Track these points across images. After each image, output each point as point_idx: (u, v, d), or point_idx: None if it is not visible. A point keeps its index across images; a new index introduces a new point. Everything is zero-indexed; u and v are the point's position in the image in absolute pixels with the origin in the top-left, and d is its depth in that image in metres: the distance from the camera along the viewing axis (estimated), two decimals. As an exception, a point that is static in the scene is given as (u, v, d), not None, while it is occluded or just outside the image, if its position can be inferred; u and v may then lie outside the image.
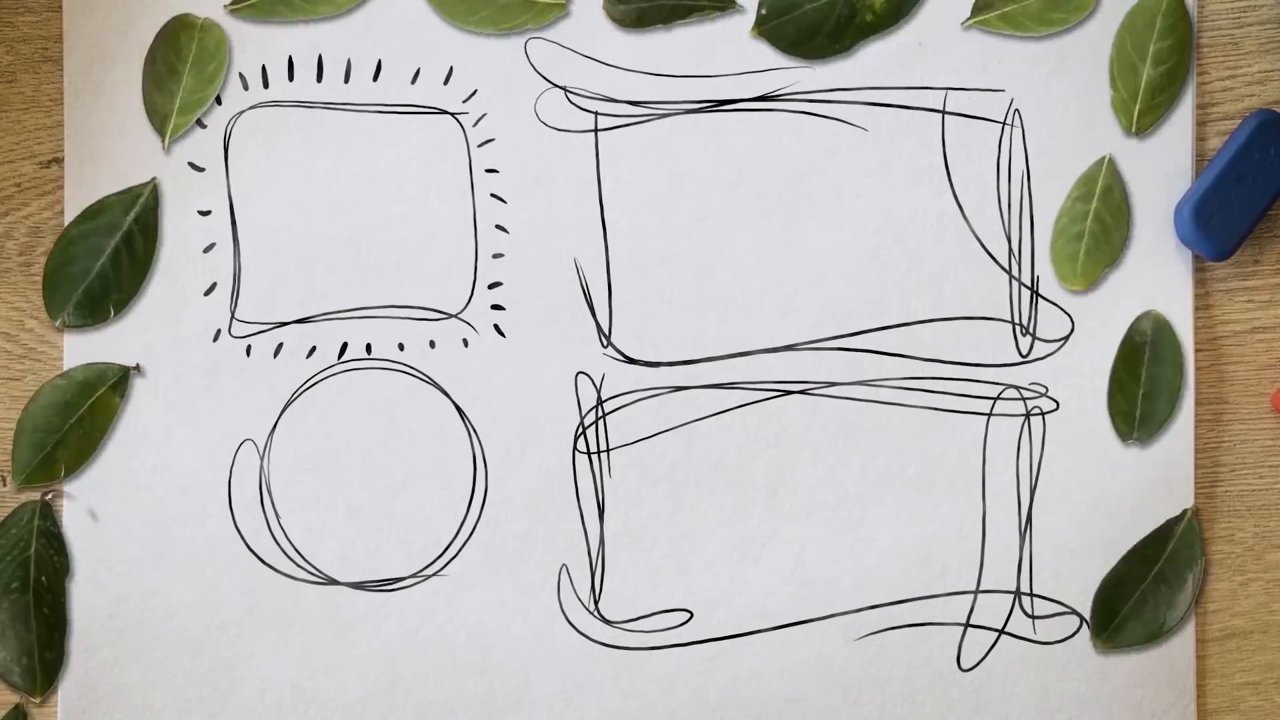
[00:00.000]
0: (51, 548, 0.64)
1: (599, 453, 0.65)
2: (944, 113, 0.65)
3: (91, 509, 0.64)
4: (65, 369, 0.64)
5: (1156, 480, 0.66)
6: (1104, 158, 0.65)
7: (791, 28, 0.64)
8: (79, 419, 0.63)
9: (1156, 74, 0.65)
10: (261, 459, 0.65)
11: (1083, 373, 0.66)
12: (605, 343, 0.65)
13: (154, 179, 0.63)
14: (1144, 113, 0.65)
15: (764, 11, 0.64)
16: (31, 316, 0.65)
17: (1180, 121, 0.66)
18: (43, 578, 0.63)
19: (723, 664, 0.65)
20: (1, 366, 0.65)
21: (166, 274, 0.64)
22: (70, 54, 0.64)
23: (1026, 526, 0.65)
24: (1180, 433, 0.66)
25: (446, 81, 0.65)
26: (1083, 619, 0.66)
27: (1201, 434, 0.66)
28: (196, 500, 0.64)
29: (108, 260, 0.64)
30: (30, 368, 0.65)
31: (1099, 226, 0.65)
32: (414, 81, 0.65)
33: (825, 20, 0.64)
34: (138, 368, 0.63)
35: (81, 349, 0.64)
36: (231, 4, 0.64)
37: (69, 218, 0.64)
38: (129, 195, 0.64)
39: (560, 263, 0.65)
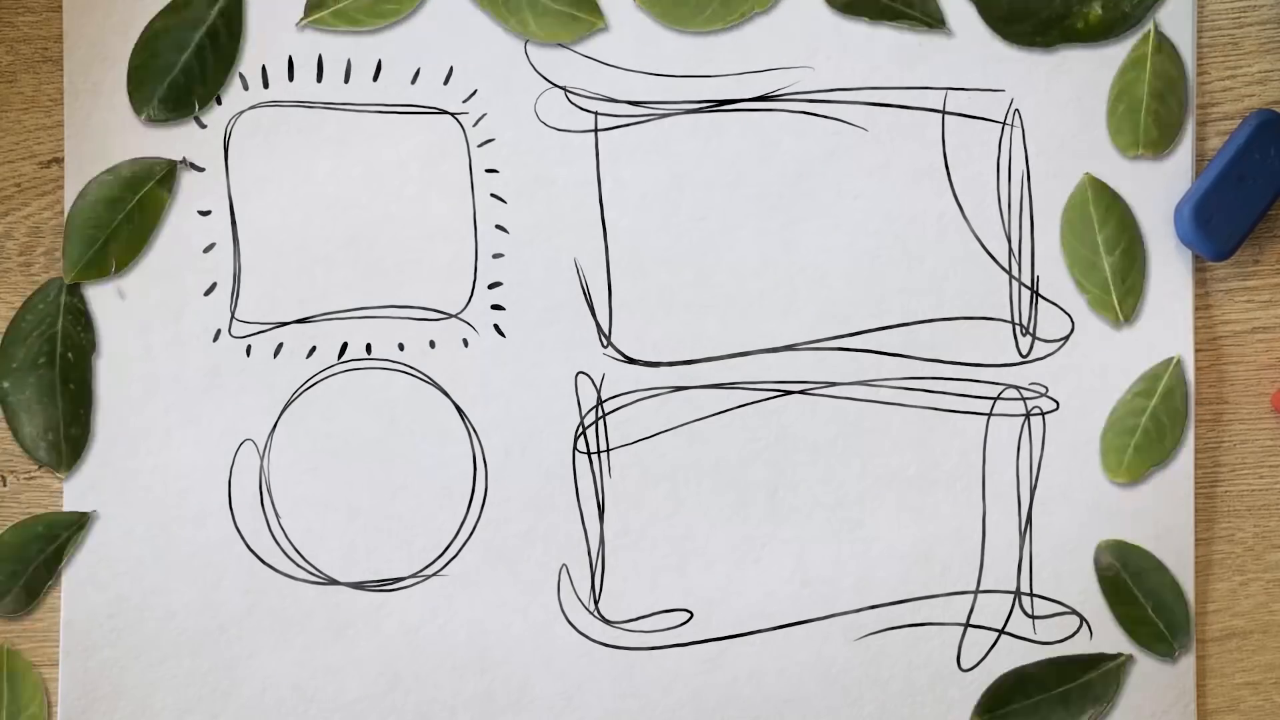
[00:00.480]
0: (78, 324, 0.64)
1: (599, 453, 0.65)
2: (944, 113, 0.65)
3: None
4: (111, 164, 0.63)
5: (1156, 479, 0.66)
6: (1174, 359, 0.65)
7: (1006, 5, 0.64)
8: (128, 214, 0.63)
9: (1115, 259, 0.65)
10: (261, 459, 0.65)
11: (1083, 373, 0.66)
12: (605, 343, 0.65)
13: None
14: (1124, 297, 0.65)
15: None
16: (31, 316, 0.65)
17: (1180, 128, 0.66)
18: (69, 354, 0.63)
19: (723, 664, 0.65)
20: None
21: (167, 274, 0.64)
22: (70, 54, 0.64)
23: (1026, 526, 0.65)
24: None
25: (446, 81, 0.65)
26: (1083, 619, 0.66)
27: (1201, 434, 0.66)
28: (196, 500, 0.64)
29: (192, 54, 0.63)
30: (30, 368, 0.65)
31: (1154, 425, 0.65)
32: (414, 81, 0.65)
33: (1039, 10, 0.64)
34: (184, 161, 0.63)
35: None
36: (305, 19, 0.64)
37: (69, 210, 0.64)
38: None
39: (560, 263, 0.65)
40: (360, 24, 0.64)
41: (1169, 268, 0.66)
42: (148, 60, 0.63)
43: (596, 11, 0.64)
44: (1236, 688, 0.67)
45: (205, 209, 0.65)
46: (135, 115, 0.63)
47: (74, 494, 0.64)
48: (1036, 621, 0.65)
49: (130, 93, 0.63)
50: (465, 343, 0.65)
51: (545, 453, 0.65)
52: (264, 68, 0.65)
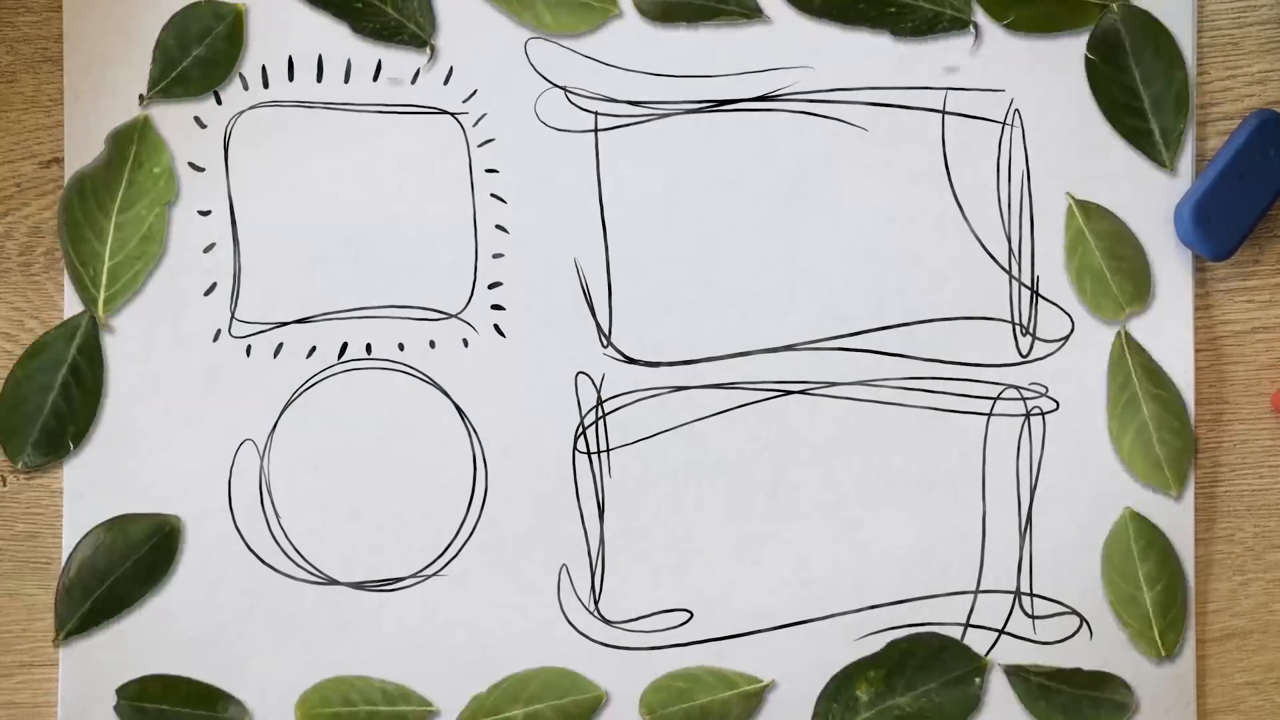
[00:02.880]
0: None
1: (599, 453, 0.65)
2: (944, 113, 0.65)
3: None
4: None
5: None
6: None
7: None
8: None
9: (1155, 594, 0.65)
10: (261, 459, 0.65)
11: (1083, 373, 0.66)
12: (605, 343, 0.65)
13: (86, 311, 0.63)
14: (1165, 631, 0.65)
15: None
16: (32, 316, 0.65)
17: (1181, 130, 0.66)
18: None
19: (723, 664, 0.65)
20: (1, 367, 0.65)
21: (166, 274, 0.64)
22: (70, 54, 0.64)
23: (1026, 526, 0.65)
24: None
25: (446, 81, 0.65)
26: (1082, 619, 0.66)
27: (1201, 434, 0.66)
28: (196, 500, 0.64)
29: (58, 394, 0.64)
30: (30, 368, 0.65)
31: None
32: (414, 81, 0.65)
33: None
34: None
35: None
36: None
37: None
38: (68, 327, 0.64)
39: (560, 263, 0.65)
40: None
41: (1169, 268, 0.66)
42: (14, 410, 0.64)
43: None
44: (1236, 688, 0.67)
45: (205, 209, 0.65)
46: (12, 463, 0.64)
47: (74, 493, 0.64)
48: (1036, 621, 0.65)
49: (3, 444, 0.64)
50: (465, 343, 0.65)
51: (545, 453, 0.65)
52: (264, 68, 0.65)
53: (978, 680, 0.65)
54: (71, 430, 0.64)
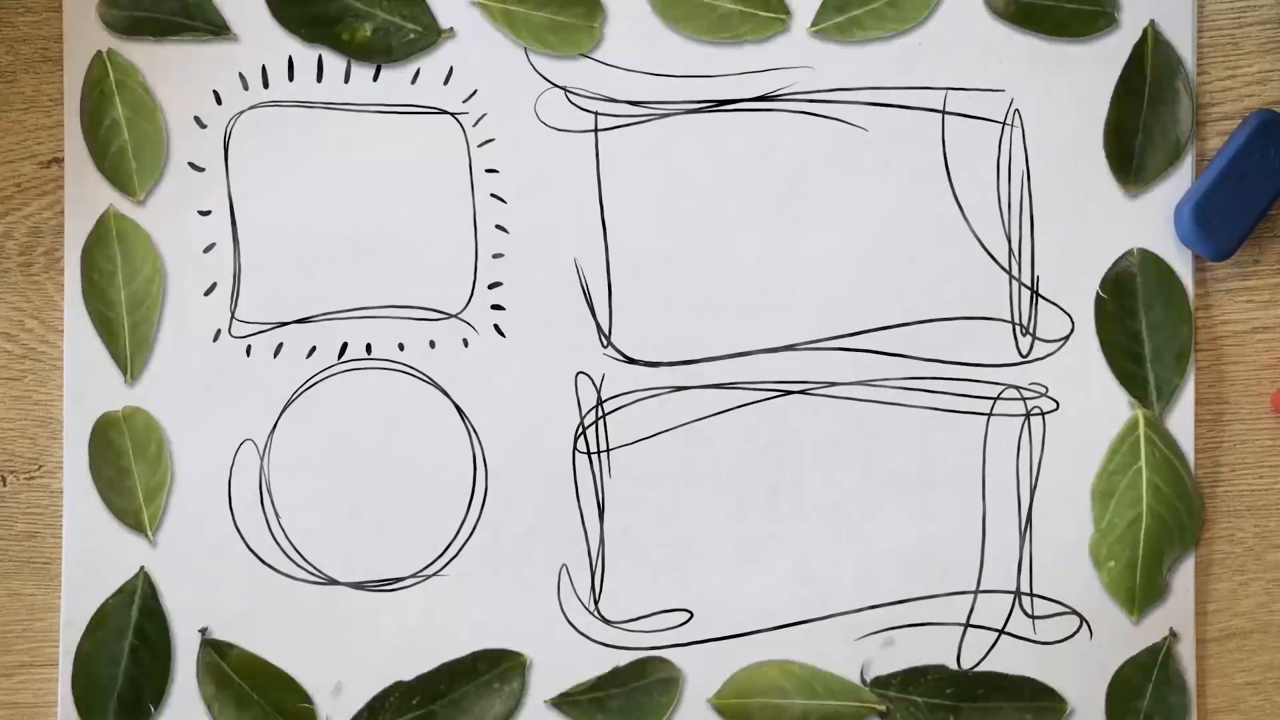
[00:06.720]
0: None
1: (599, 453, 0.65)
2: (944, 113, 0.65)
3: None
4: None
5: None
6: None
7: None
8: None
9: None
10: (261, 459, 0.65)
11: (1083, 372, 0.66)
12: (605, 343, 0.65)
13: (141, 568, 0.64)
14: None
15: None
16: (32, 316, 0.65)
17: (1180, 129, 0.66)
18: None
19: (723, 664, 0.65)
20: (1, 367, 0.65)
21: (167, 274, 0.64)
22: (70, 54, 0.64)
23: (1026, 526, 0.65)
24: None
25: (446, 81, 0.65)
26: (1082, 619, 0.66)
27: (1201, 434, 0.66)
28: (196, 500, 0.64)
29: (129, 661, 0.64)
30: (30, 368, 0.65)
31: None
32: (414, 81, 0.65)
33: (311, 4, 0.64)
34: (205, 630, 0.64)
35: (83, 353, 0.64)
36: None
37: (68, 220, 0.64)
38: (125, 593, 0.64)
39: (560, 263, 0.65)
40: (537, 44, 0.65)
41: (1169, 268, 0.66)
42: (90, 683, 0.64)
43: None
44: (1236, 688, 0.67)
45: (205, 209, 0.65)
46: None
47: (74, 493, 0.64)
48: (1036, 621, 0.65)
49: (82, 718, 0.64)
50: (465, 343, 0.65)
51: (545, 453, 0.65)
52: (264, 68, 0.65)
53: None
54: (149, 695, 0.64)
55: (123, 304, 0.64)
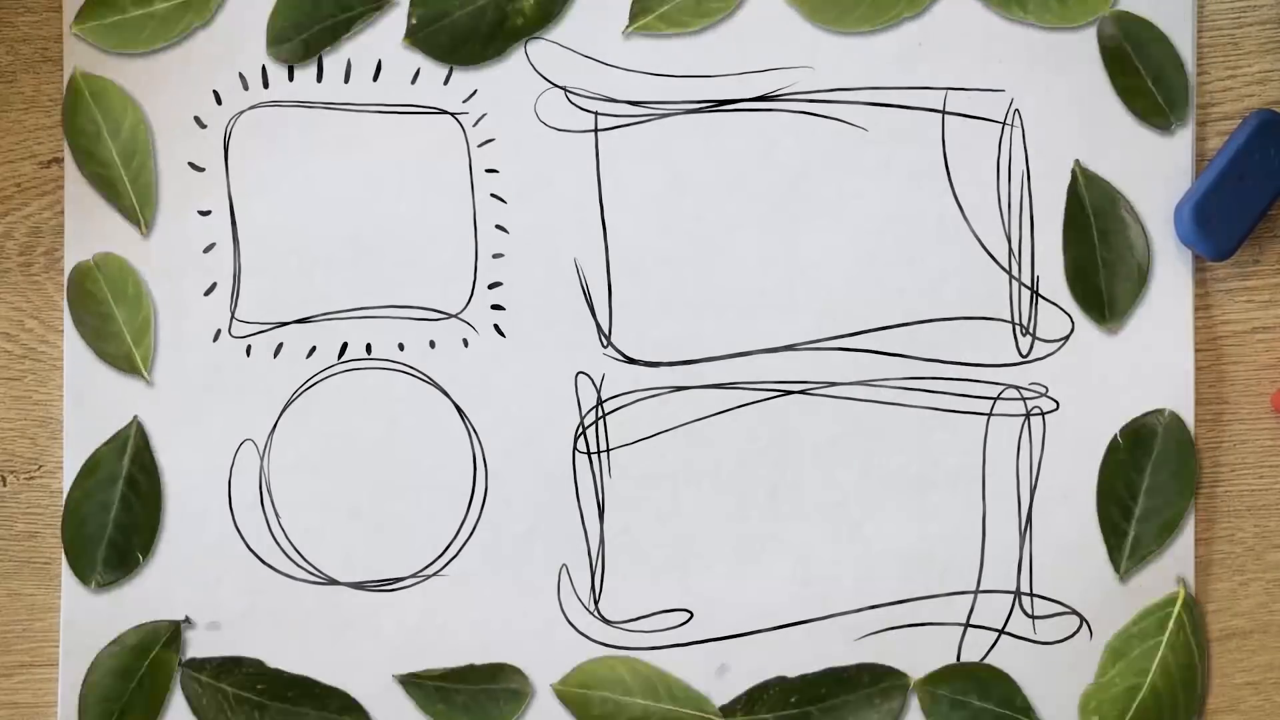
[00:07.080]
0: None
1: (599, 453, 0.65)
2: (944, 113, 0.65)
3: None
4: (115, 635, 0.64)
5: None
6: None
7: (444, 36, 0.64)
8: (139, 682, 0.64)
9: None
10: (261, 459, 0.65)
11: (1083, 373, 0.66)
12: (605, 343, 0.65)
13: (134, 417, 0.64)
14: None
15: (414, 21, 0.64)
16: (32, 316, 0.65)
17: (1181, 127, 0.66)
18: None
19: (723, 664, 0.65)
20: (1, 366, 0.65)
21: (167, 274, 0.64)
22: (70, 54, 0.64)
23: (1026, 526, 0.65)
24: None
25: (446, 81, 0.65)
26: (1082, 619, 0.66)
27: (1201, 434, 0.66)
28: (196, 500, 0.64)
29: (119, 509, 0.64)
30: (30, 368, 0.65)
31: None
32: (414, 81, 0.65)
33: (476, 27, 0.64)
34: (187, 620, 0.64)
35: (80, 352, 0.64)
36: (630, 26, 0.64)
37: (68, 220, 0.64)
38: (118, 440, 0.64)
39: (560, 263, 0.65)
40: (686, 26, 0.64)
41: (1169, 268, 0.66)
42: (78, 531, 0.64)
43: None
44: (1236, 688, 0.67)
45: (205, 209, 0.65)
46: (84, 585, 0.64)
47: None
48: (1036, 621, 0.65)
49: (71, 565, 0.64)
50: (465, 343, 0.65)
51: (545, 453, 0.65)
52: (264, 68, 0.65)
53: None
54: (137, 543, 0.64)
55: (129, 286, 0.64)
